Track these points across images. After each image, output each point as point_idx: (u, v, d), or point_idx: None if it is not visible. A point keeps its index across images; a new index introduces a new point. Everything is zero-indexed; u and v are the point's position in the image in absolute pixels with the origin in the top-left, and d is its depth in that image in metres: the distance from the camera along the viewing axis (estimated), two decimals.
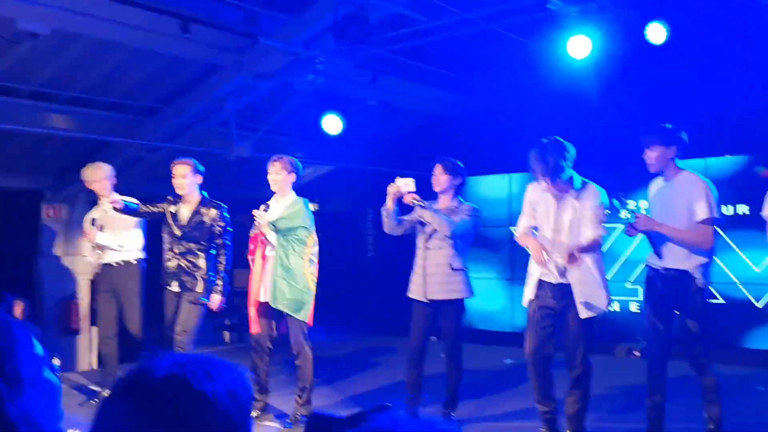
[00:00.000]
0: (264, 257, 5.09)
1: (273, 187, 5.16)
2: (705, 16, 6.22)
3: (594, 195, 4.25)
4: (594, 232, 4.19)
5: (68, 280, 7.84)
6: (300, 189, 10.51)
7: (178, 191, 5.29)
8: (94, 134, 6.79)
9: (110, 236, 5.67)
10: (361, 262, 10.02)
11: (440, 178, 4.95)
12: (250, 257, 5.23)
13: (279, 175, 5.11)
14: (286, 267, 4.97)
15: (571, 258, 4.11)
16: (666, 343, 4.23)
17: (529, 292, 4.44)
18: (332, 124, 6.98)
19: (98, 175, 5.63)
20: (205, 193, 5.41)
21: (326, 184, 10.09)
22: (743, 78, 6.72)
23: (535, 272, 4.42)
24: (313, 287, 5.09)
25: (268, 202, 5.13)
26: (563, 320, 4.32)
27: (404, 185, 4.79)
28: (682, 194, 4.11)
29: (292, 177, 5.19)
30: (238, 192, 9.15)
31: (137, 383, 0.95)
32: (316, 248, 5.20)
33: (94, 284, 5.97)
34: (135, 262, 5.77)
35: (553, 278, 4.31)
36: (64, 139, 6.91)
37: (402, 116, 8.61)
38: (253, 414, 5.17)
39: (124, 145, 7.05)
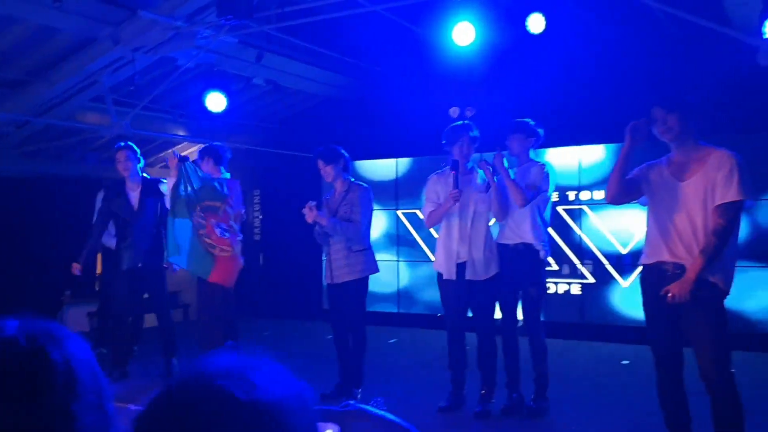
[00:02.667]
0: None
1: None
2: (581, 9, 6.51)
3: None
4: None
5: None
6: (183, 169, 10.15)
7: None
8: None
9: None
10: (248, 245, 9.86)
11: (324, 170, 5.09)
12: None
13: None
14: None
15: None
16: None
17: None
18: (216, 101, 6.79)
19: None
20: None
21: None
22: (616, 69, 7.10)
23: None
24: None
25: None
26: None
27: (309, 211, 4.95)
28: (530, 172, 4.77)
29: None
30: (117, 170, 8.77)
31: None
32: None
33: None
34: None
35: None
36: None
37: (289, 96, 8.51)
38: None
39: None
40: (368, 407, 1.12)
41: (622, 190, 3.53)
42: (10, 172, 7.55)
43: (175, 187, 5.29)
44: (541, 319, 4.82)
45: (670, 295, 3.27)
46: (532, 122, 4.85)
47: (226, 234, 5.32)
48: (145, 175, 5.89)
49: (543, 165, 4.74)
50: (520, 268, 4.70)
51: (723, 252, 3.26)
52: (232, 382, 0.78)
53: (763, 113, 6.67)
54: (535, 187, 4.62)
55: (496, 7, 6.18)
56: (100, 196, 6.35)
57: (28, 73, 6.47)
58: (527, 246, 4.67)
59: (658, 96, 3.45)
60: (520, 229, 4.69)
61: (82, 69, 6.25)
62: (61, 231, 7.44)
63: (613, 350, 6.89)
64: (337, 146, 5.14)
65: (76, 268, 5.70)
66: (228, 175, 5.60)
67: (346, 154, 5.15)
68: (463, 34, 5.81)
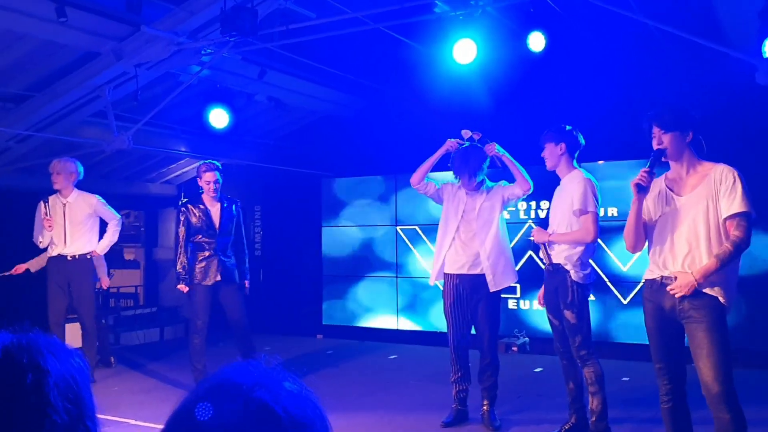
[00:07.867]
0: None
1: None
2: (581, 27, 6.57)
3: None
4: None
5: None
6: (183, 186, 10.23)
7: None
8: None
9: None
10: (249, 261, 9.83)
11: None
12: None
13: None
14: None
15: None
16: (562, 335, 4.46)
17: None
18: (219, 118, 6.82)
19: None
20: None
21: None
22: (616, 88, 7.14)
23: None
24: None
25: None
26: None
27: None
28: (569, 190, 4.36)
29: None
30: (117, 185, 8.79)
31: None
32: None
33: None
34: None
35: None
36: None
37: (291, 113, 8.55)
38: None
39: None
40: None
41: (638, 238, 3.53)
42: (9, 186, 7.55)
43: None
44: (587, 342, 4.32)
45: (671, 289, 3.27)
46: (568, 127, 4.37)
47: None
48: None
49: (584, 181, 4.29)
50: (555, 290, 4.39)
51: (727, 266, 3.27)
52: (269, 395, 0.76)
53: (761, 132, 6.70)
54: (580, 211, 4.24)
55: (498, 25, 6.23)
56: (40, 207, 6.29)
57: (29, 88, 6.50)
58: (557, 267, 4.33)
59: (655, 114, 3.47)
60: (555, 249, 4.35)
61: (84, 84, 6.28)
62: None
63: (613, 367, 6.86)
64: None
65: (184, 289, 5.90)
66: None
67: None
68: (465, 51, 5.84)
